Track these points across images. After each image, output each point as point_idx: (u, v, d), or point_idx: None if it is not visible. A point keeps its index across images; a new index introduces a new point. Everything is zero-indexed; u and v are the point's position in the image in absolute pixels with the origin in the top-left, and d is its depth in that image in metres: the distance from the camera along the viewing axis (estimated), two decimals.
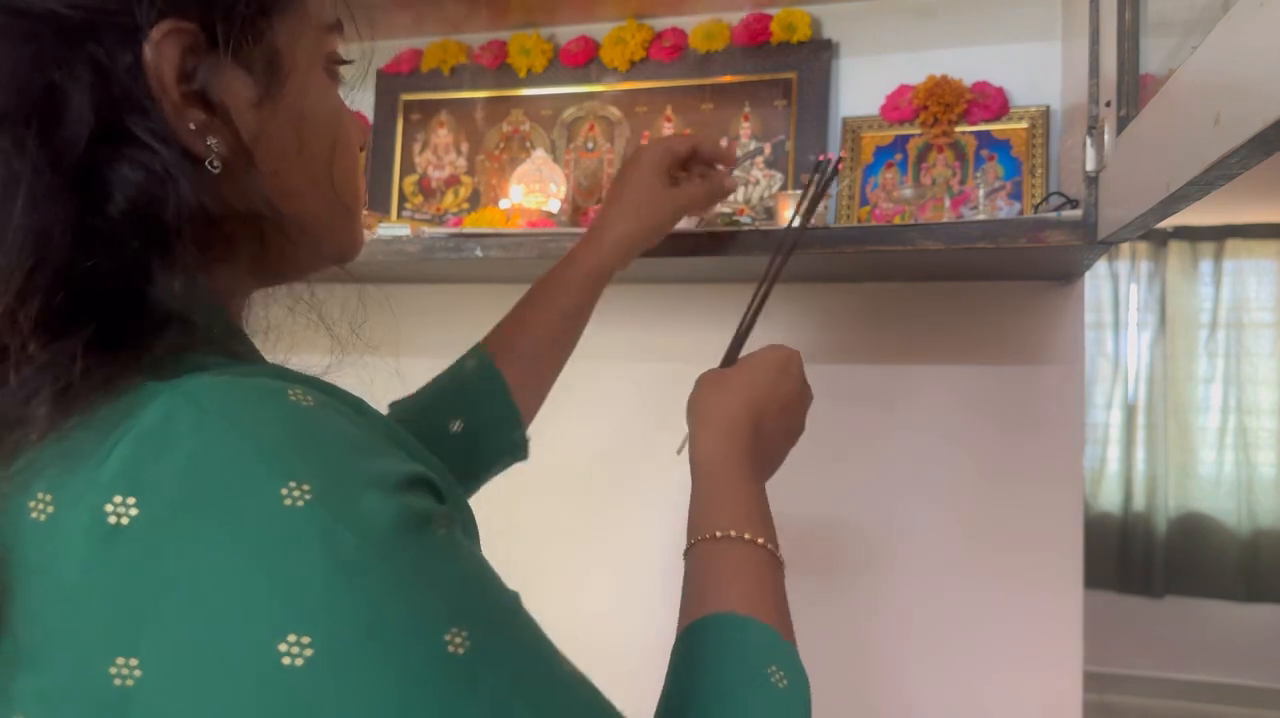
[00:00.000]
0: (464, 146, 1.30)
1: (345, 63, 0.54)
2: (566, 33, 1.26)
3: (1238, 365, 3.48)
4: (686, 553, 0.60)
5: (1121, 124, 0.72)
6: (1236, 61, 0.41)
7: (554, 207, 1.14)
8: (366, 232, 1.08)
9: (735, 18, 1.19)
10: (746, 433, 0.65)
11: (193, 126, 0.42)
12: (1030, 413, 1.09)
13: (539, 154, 1.19)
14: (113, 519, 0.35)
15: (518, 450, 0.82)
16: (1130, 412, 3.57)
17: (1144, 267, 3.59)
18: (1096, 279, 3.56)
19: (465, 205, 1.29)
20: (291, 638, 0.33)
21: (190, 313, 0.41)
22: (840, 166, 0.80)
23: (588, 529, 1.25)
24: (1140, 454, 3.55)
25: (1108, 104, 0.76)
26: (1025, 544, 1.08)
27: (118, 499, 0.35)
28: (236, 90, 0.44)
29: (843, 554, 1.14)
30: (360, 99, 1.33)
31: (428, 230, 1.04)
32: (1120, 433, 3.58)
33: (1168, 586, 3.54)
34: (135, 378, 0.38)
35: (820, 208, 0.82)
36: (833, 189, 0.80)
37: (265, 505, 0.35)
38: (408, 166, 1.32)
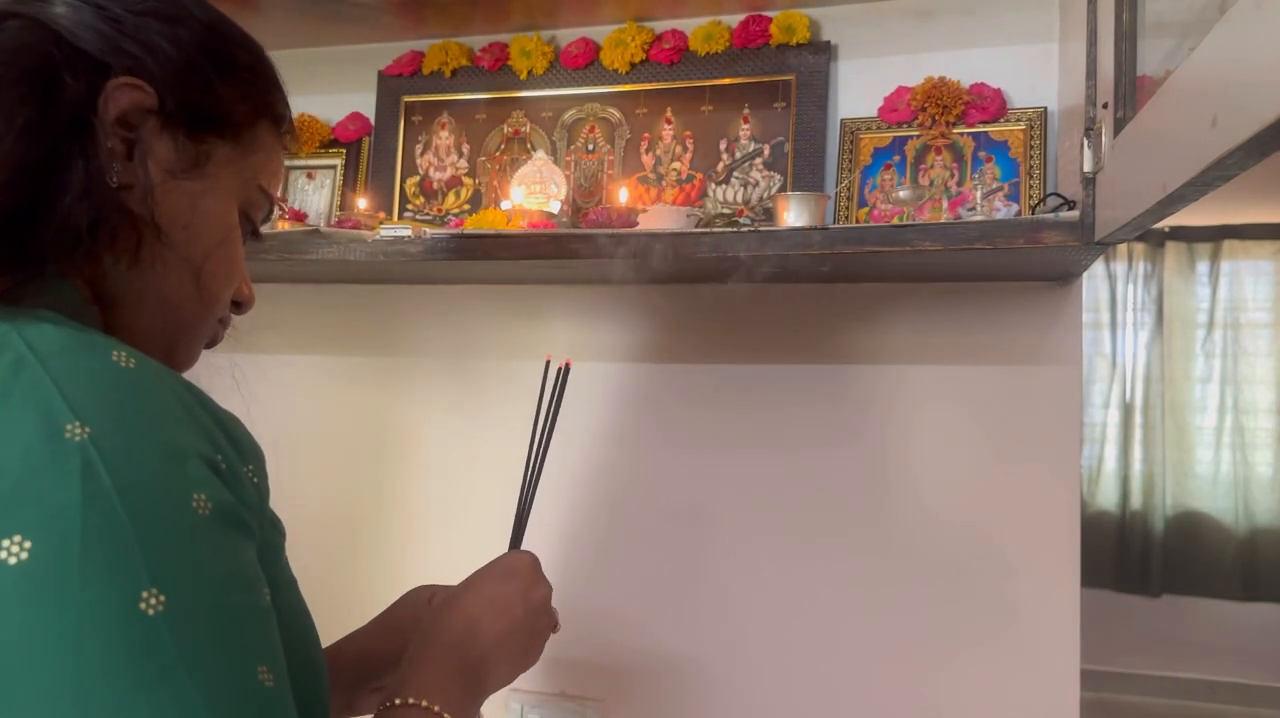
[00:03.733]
0: (465, 148, 1.30)
1: (258, 236, 0.60)
2: (567, 35, 1.27)
3: (1235, 365, 3.49)
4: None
5: (1119, 125, 0.72)
6: (1234, 63, 0.42)
7: (554, 208, 1.14)
8: (369, 233, 1.08)
9: (734, 20, 1.20)
10: (456, 632, 0.66)
11: (110, 145, 0.49)
12: (1028, 413, 1.10)
13: (540, 155, 1.19)
14: None
15: None
16: (1127, 411, 3.58)
17: (1141, 267, 3.60)
18: (1094, 280, 3.57)
19: (466, 207, 1.29)
20: (16, 538, 0.37)
21: (55, 287, 0.48)
22: (569, 364, 0.84)
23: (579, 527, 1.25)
24: (1138, 453, 3.56)
25: (1105, 105, 0.77)
26: (1022, 543, 1.09)
27: None
28: (160, 153, 0.52)
29: (840, 550, 1.15)
30: (362, 101, 1.34)
31: (429, 231, 1.05)
32: (1118, 432, 3.59)
33: (1165, 584, 3.54)
34: None
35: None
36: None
37: (49, 431, 0.39)
38: (409, 168, 1.32)
